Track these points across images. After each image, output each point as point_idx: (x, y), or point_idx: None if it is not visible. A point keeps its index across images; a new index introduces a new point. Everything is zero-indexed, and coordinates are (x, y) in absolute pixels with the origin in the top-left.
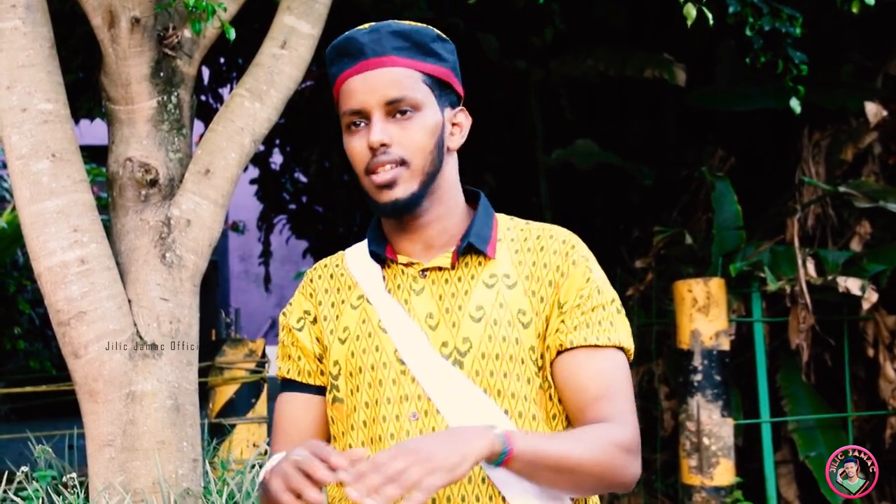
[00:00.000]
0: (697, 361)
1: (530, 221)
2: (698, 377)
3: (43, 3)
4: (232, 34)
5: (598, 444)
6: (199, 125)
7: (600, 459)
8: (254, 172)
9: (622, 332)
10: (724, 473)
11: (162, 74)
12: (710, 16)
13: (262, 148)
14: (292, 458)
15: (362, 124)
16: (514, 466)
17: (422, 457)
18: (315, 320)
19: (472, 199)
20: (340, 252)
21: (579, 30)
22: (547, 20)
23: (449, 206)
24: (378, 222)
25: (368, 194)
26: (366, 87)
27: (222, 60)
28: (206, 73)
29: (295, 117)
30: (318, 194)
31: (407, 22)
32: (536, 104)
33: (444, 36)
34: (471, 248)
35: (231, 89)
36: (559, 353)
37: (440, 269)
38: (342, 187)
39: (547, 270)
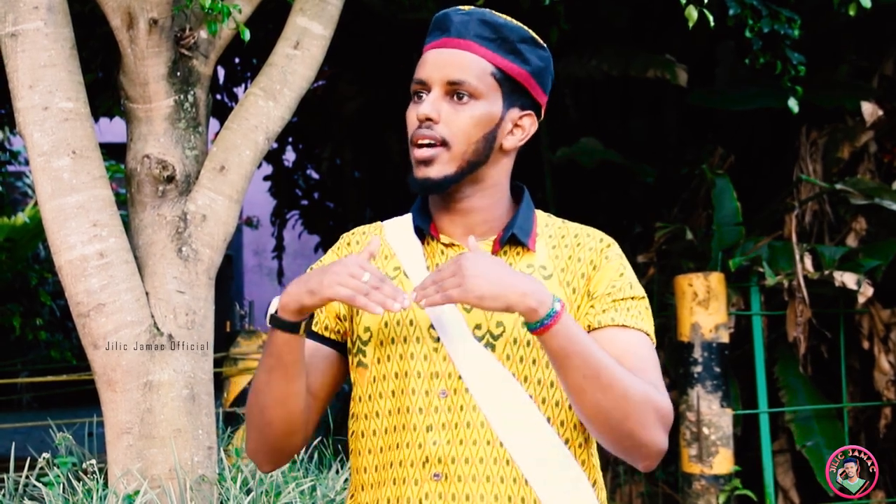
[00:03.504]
0: (697, 353)
1: (567, 220)
2: (698, 369)
3: (64, 4)
4: (247, 35)
5: (637, 384)
6: (214, 123)
7: (632, 396)
8: (267, 169)
9: (648, 324)
10: (722, 462)
11: (179, 74)
12: (710, 18)
13: (275, 146)
14: (359, 276)
15: (424, 95)
16: (552, 338)
17: (464, 275)
18: None
19: (514, 193)
20: (378, 222)
21: (583, 31)
22: (552, 21)
23: (495, 199)
24: (424, 199)
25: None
26: (436, 61)
27: (237, 60)
28: (221, 72)
29: (307, 116)
30: (330, 191)
31: (504, 16)
32: None
33: (541, 42)
34: (513, 238)
35: (245, 88)
36: (588, 332)
37: None
38: (353, 184)
39: (581, 264)
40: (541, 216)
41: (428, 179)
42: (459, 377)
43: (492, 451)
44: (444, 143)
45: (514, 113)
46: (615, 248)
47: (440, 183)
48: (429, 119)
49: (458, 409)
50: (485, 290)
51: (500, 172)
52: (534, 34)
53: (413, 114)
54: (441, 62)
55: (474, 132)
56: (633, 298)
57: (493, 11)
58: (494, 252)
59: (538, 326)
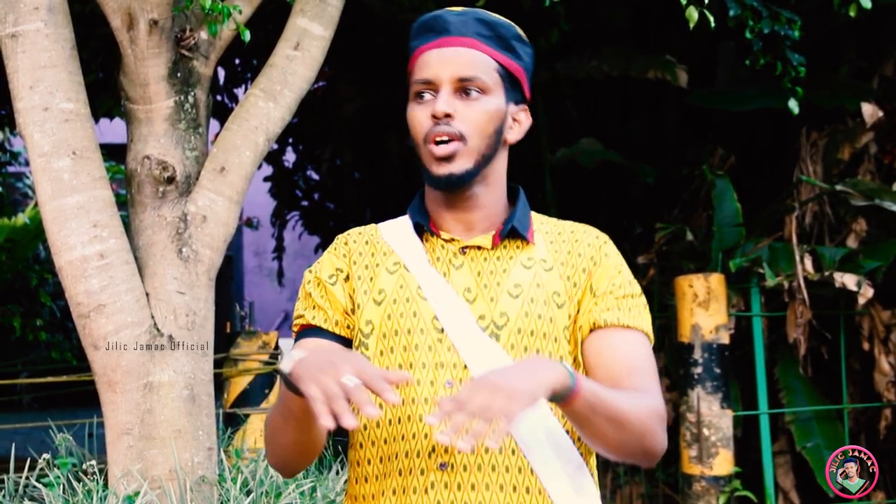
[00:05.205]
0: (698, 354)
1: (561, 219)
2: (698, 370)
3: (65, 5)
4: (247, 36)
5: (642, 405)
6: (214, 124)
7: (643, 419)
8: (267, 170)
9: (647, 322)
10: (723, 463)
11: (179, 75)
12: (711, 18)
13: (275, 146)
14: (338, 376)
15: (428, 95)
16: (575, 405)
17: (502, 387)
18: (348, 278)
19: (510, 193)
20: (373, 224)
21: (583, 31)
22: (552, 22)
23: (496, 194)
24: (421, 198)
25: (423, 164)
26: (442, 61)
27: (237, 61)
28: (221, 73)
29: (308, 117)
30: (330, 191)
31: (494, 14)
32: (542, 104)
33: (525, 38)
34: (512, 232)
35: (246, 89)
36: (591, 331)
37: (479, 248)
38: (353, 185)
39: (581, 259)
40: (535, 216)
41: (452, 175)
42: (465, 367)
43: None
44: (461, 138)
45: (513, 108)
46: (611, 245)
47: (463, 177)
48: (447, 115)
49: None
50: (532, 390)
51: (501, 166)
52: (521, 31)
53: (420, 114)
54: (448, 60)
55: (487, 126)
56: (632, 296)
57: (485, 10)
58: (494, 245)
59: (568, 393)
